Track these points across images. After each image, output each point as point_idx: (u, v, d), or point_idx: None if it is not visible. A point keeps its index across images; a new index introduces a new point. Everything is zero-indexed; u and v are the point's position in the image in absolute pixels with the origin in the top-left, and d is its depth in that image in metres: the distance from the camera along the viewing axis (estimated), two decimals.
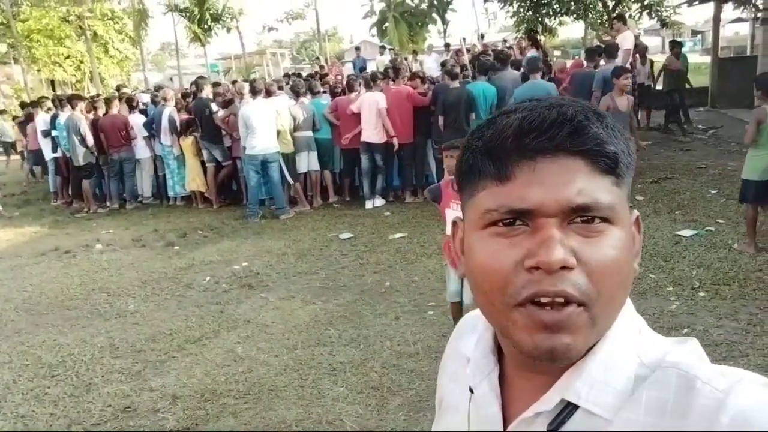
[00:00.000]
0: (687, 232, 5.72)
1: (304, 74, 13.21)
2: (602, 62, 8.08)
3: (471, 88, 7.50)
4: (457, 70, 7.41)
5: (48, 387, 3.96)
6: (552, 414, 0.62)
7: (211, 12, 24.42)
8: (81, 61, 30.82)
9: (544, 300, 0.58)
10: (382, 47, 18.46)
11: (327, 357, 4.01)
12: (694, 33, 44.27)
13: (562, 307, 0.58)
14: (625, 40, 8.16)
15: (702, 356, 0.62)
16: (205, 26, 24.81)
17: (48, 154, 10.38)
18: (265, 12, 73.49)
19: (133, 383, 3.89)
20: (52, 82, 32.37)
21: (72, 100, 9.56)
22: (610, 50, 7.66)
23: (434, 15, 21.56)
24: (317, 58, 16.80)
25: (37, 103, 11.20)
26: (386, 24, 19.26)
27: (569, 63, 10.30)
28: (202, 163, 8.91)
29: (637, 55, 9.97)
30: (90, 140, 9.14)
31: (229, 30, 25.61)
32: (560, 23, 19.69)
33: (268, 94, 8.09)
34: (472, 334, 0.77)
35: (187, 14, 24.21)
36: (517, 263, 0.59)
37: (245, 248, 6.81)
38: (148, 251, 7.05)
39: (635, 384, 0.60)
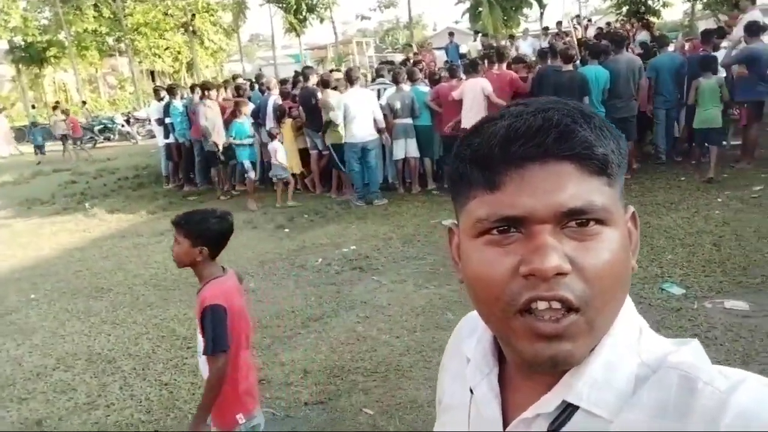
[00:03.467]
0: None
1: (396, 62, 13.25)
2: (725, 43, 7.62)
3: (583, 72, 7.29)
4: (573, 52, 7.19)
5: (185, 357, 4.21)
6: (552, 415, 0.62)
7: (306, 2, 24.95)
8: (179, 52, 32.45)
9: (541, 305, 0.57)
10: (476, 32, 18.16)
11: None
12: None
13: (560, 317, 0.57)
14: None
15: (704, 357, 0.62)
16: (301, 17, 25.40)
17: (161, 140, 11.00)
18: (356, 1, 74.20)
19: (264, 357, 4.08)
20: (152, 73, 34.26)
21: (205, 87, 9.88)
22: (758, 28, 7.24)
23: None
24: (409, 45, 16.78)
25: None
26: (480, 8, 18.98)
27: (687, 45, 9.77)
28: (304, 150, 9.15)
29: None
30: (204, 129, 9.37)
31: (322, 20, 26.08)
32: (664, 5, 18.74)
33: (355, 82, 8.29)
34: (473, 335, 0.76)
35: (284, 5, 24.81)
36: (512, 271, 0.59)
37: (351, 232, 6.96)
38: (261, 233, 7.35)
39: (636, 384, 0.60)
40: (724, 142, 7.72)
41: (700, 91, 7.21)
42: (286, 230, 7.32)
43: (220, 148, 9.30)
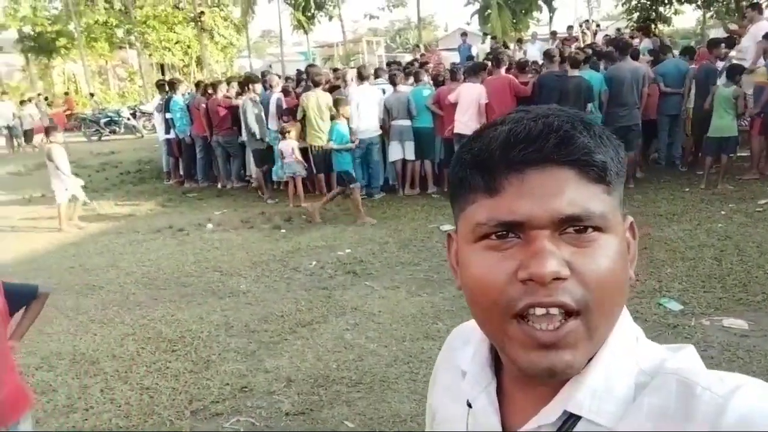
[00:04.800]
0: None
1: (404, 62, 13.18)
2: (733, 53, 7.51)
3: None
4: (581, 57, 7.11)
5: (169, 361, 4.14)
6: (554, 425, 0.62)
7: (315, 0, 24.92)
8: (189, 46, 32.46)
9: (539, 311, 0.57)
10: (485, 35, 18.04)
11: (437, 352, 3.89)
12: None
13: (558, 324, 0.57)
14: (760, 31, 7.50)
15: (699, 363, 0.62)
16: (309, 14, 25.34)
17: (161, 135, 10.94)
18: (365, 0, 74.24)
19: (248, 363, 4.00)
20: (162, 66, 34.28)
21: (249, 81, 9.37)
22: None
23: (540, 2, 20.82)
24: (417, 46, 16.66)
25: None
26: (489, 11, 18.82)
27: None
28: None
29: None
30: (251, 125, 8.90)
31: (330, 18, 26.00)
32: (676, 12, 18.54)
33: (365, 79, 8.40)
34: (467, 347, 0.75)
35: (293, 2, 24.76)
36: (510, 275, 0.58)
37: (347, 235, 6.88)
38: (257, 233, 7.28)
39: (636, 392, 0.60)
40: (731, 154, 7.60)
41: (716, 98, 7.17)
42: (283, 231, 7.24)
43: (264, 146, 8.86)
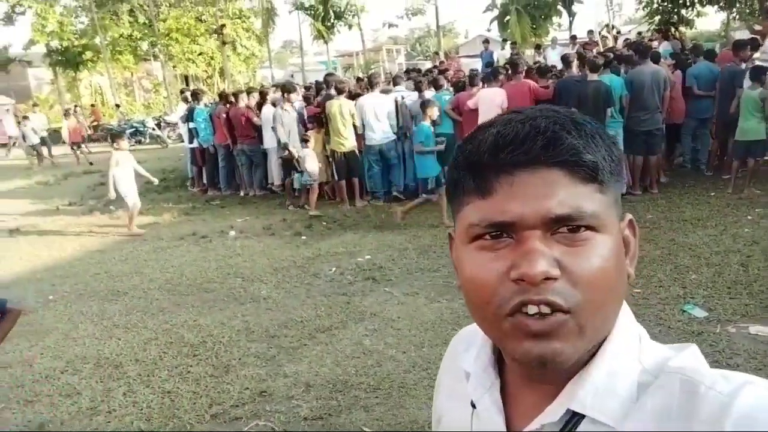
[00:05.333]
0: None
1: (423, 69, 13.22)
2: (757, 54, 7.39)
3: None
4: (601, 61, 7.07)
5: (191, 365, 4.19)
6: (558, 425, 0.62)
7: (334, 9, 25.18)
8: (212, 58, 32.94)
9: (531, 310, 0.58)
10: (504, 41, 18.02)
11: None
12: None
13: (548, 316, 0.58)
14: None
15: (702, 361, 0.62)
16: (328, 24, 25.57)
17: (187, 144, 11.11)
18: (385, 9, 74.93)
19: (268, 368, 4.03)
20: (186, 77, 34.81)
21: (285, 90, 9.16)
22: None
23: (559, 7, 20.75)
24: (436, 53, 16.70)
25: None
26: (508, 17, 18.80)
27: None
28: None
29: None
30: (280, 134, 8.76)
31: (350, 27, 26.20)
32: (698, 14, 18.31)
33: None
34: (470, 349, 0.76)
35: (312, 12, 25.06)
36: (502, 275, 0.59)
37: (367, 241, 6.89)
38: (278, 239, 7.34)
39: (639, 390, 0.60)
40: (758, 158, 7.45)
41: (742, 101, 7.05)
42: (303, 238, 7.29)
43: (296, 156, 8.65)
